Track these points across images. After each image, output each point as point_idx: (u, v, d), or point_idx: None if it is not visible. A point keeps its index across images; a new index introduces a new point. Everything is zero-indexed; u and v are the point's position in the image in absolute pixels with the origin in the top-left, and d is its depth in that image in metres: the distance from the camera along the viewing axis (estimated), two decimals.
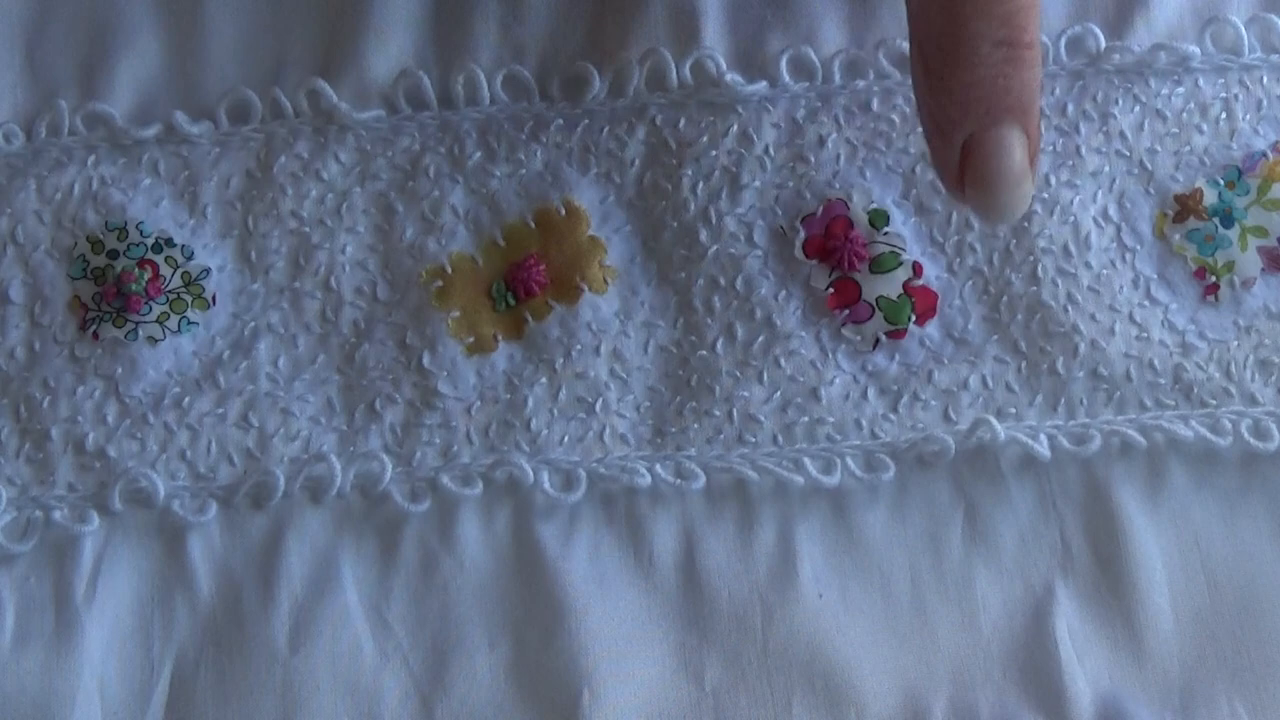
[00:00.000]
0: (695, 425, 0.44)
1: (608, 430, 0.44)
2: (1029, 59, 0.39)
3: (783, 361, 0.45)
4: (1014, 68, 0.39)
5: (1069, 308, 0.45)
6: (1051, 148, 0.46)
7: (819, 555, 0.43)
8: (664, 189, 0.46)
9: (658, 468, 0.44)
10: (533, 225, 0.46)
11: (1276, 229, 0.45)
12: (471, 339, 0.45)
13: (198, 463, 0.44)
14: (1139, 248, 0.46)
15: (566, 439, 0.44)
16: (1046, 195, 0.46)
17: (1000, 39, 0.39)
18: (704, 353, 0.45)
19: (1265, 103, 0.47)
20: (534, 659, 0.42)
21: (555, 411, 0.44)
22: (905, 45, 0.47)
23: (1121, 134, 0.46)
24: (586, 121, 0.47)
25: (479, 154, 0.47)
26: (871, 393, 0.45)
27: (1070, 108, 0.47)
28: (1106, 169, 0.46)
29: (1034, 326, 0.45)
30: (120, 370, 0.45)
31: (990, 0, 0.38)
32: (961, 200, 0.41)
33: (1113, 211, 0.46)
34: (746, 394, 0.44)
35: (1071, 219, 0.46)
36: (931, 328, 0.45)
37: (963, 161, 0.40)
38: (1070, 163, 0.46)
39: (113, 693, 0.42)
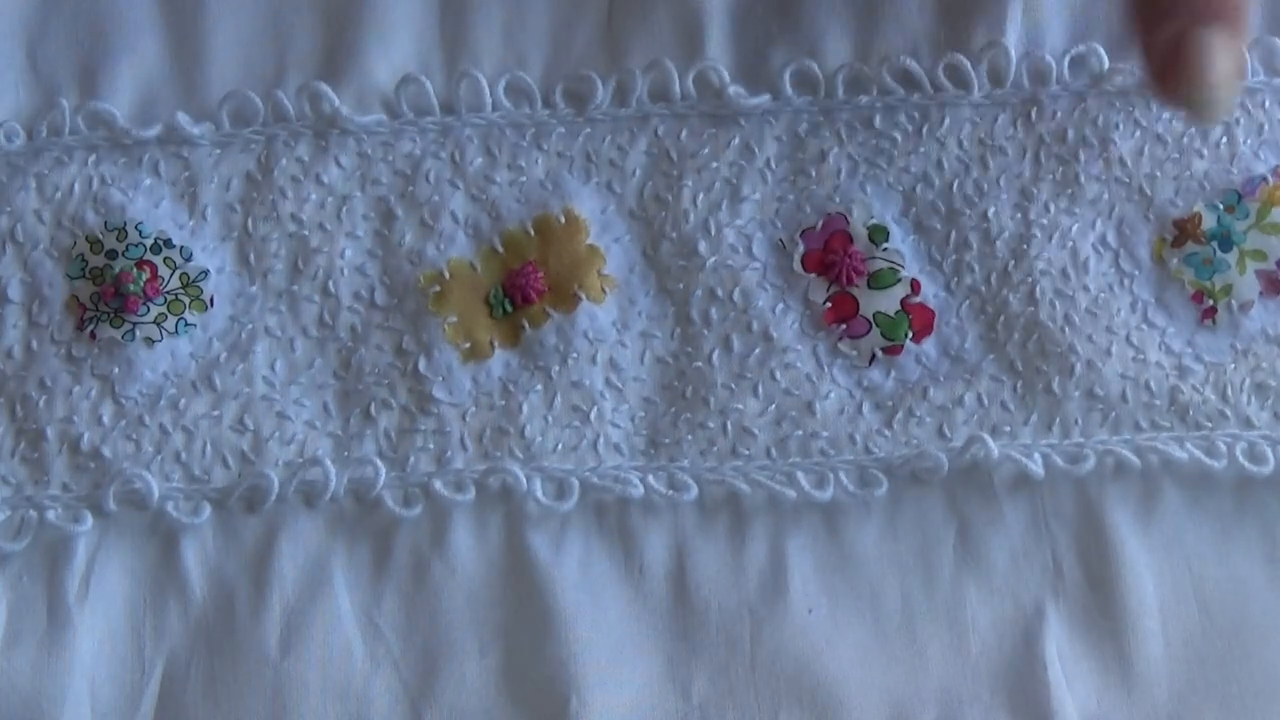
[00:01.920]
0: (689, 437, 0.44)
1: (602, 440, 0.44)
2: None
3: (778, 375, 0.45)
4: None
5: (1066, 328, 0.45)
6: (1051, 175, 0.46)
7: (810, 570, 0.43)
8: (664, 199, 0.46)
9: (650, 478, 0.44)
10: (532, 233, 0.46)
11: (1275, 253, 0.45)
12: (468, 345, 0.45)
13: (192, 465, 0.44)
14: (1137, 273, 0.45)
15: (560, 447, 0.44)
16: (1045, 221, 0.46)
17: None
18: (700, 364, 0.45)
19: (1266, 127, 0.46)
20: (523, 666, 0.43)
21: (550, 419, 0.44)
22: (909, 61, 0.47)
23: (1121, 160, 0.46)
24: (588, 130, 0.47)
25: (480, 160, 0.47)
26: (866, 408, 0.45)
27: (1070, 134, 0.46)
28: (1106, 196, 0.46)
29: (1030, 346, 0.45)
30: (117, 371, 0.45)
31: None
32: (1164, 98, 0.42)
33: (1111, 238, 0.46)
34: (741, 406, 0.44)
35: (1070, 244, 0.45)
36: (928, 345, 0.45)
37: (1169, 59, 0.40)
38: (1070, 190, 0.46)
39: (103, 693, 0.42)
